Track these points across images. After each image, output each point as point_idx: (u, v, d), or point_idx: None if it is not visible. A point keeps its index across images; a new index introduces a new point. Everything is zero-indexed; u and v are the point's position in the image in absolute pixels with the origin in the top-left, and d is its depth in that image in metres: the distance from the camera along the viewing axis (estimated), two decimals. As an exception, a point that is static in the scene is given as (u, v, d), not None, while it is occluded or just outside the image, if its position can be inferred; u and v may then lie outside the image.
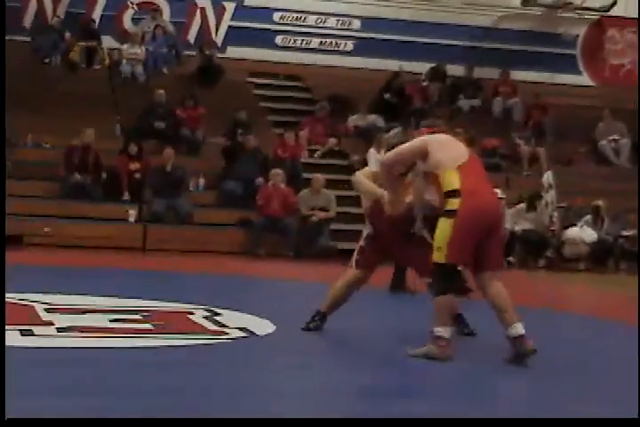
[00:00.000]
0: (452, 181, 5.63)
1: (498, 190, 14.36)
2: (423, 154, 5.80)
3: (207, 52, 17.89)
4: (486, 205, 5.67)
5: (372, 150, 15.78)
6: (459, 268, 5.58)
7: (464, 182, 5.61)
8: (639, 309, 8.19)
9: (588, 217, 15.31)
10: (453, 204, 5.58)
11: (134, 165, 14.50)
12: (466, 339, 6.47)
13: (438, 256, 5.56)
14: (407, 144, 5.96)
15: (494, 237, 5.69)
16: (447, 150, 5.75)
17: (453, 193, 5.60)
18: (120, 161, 14.54)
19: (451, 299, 5.56)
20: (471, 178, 5.67)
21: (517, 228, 14.86)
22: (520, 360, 5.52)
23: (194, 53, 18.14)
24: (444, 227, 5.57)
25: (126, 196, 14.38)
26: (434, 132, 5.99)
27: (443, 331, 5.46)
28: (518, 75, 19.44)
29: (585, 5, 19.97)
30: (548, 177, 15.80)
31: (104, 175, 14.48)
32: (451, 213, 5.57)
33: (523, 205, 15.11)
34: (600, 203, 15.39)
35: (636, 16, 20.02)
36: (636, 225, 15.54)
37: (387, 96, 17.72)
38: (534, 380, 5.37)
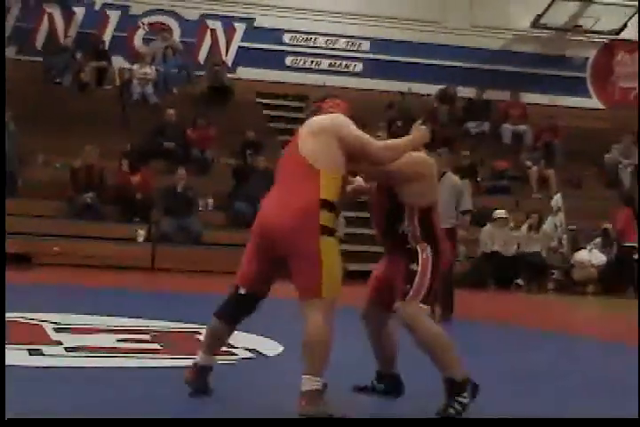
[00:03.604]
0: None
1: (501, 211, 14.58)
2: None
3: (217, 73, 17.98)
4: (260, 216, 4.56)
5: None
6: (241, 291, 4.72)
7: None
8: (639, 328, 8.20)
9: (598, 240, 15.29)
10: None
11: (134, 179, 14.56)
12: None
13: None
14: None
15: (290, 258, 4.47)
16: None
17: None
18: (120, 177, 14.67)
19: (212, 325, 4.85)
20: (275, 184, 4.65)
21: (522, 250, 14.85)
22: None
23: (204, 74, 18.23)
24: None
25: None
26: (319, 108, 4.86)
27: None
28: (528, 97, 19.48)
29: (594, 28, 20.03)
30: (557, 199, 15.81)
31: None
32: None
33: (525, 227, 15.13)
34: (609, 226, 15.37)
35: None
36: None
37: (392, 115, 17.76)
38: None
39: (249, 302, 4.74)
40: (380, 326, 4.97)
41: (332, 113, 4.72)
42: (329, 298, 4.43)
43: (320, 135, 4.52)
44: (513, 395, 5.49)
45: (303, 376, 4.37)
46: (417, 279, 4.64)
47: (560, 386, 5.88)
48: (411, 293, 4.63)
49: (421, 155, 4.84)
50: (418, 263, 4.67)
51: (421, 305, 4.64)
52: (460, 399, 4.55)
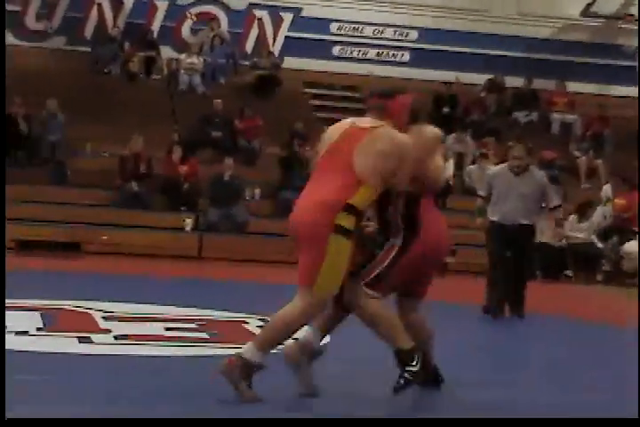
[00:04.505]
0: None
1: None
2: None
3: (264, 63, 17.99)
4: (291, 215, 4.71)
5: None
6: None
7: None
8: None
9: (647, 230, 15.10)
10: None
11: (182, 168, 14.61)
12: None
13: None
14: None
15: (302, 247, 4.47)
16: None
17: None
18: (168, 166, 14.70)
19: None
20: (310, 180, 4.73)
21: (571, 240, 14.70)
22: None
23: (251, 64, 18.25)
24: None
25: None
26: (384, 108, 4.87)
27: None
28: (577, 86, 19.28)
29: (646, 17, 19.76)
30: (606, 190, 15.62)
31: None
32: None
33: (574, 216, 14.95)
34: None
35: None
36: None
37: (445, 109, 17.68)
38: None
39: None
40: (404, 313, 4.87)
41: (390, 119, 4.70)
42: (319, 293, 4.41)
43: (384, 156, 4.44)
44: (541, 387, 5.46)
45: (249, 344, 4.45)
46: (372, 263, 4.56)
47: (589, 378, 5.82)
48: (361, 273, 4.55)
49: (403, 135, 4.64)
50: (382, 249, 4.58)
51: (365, 289, 4.53)
52: (410, 368, 4.49)
